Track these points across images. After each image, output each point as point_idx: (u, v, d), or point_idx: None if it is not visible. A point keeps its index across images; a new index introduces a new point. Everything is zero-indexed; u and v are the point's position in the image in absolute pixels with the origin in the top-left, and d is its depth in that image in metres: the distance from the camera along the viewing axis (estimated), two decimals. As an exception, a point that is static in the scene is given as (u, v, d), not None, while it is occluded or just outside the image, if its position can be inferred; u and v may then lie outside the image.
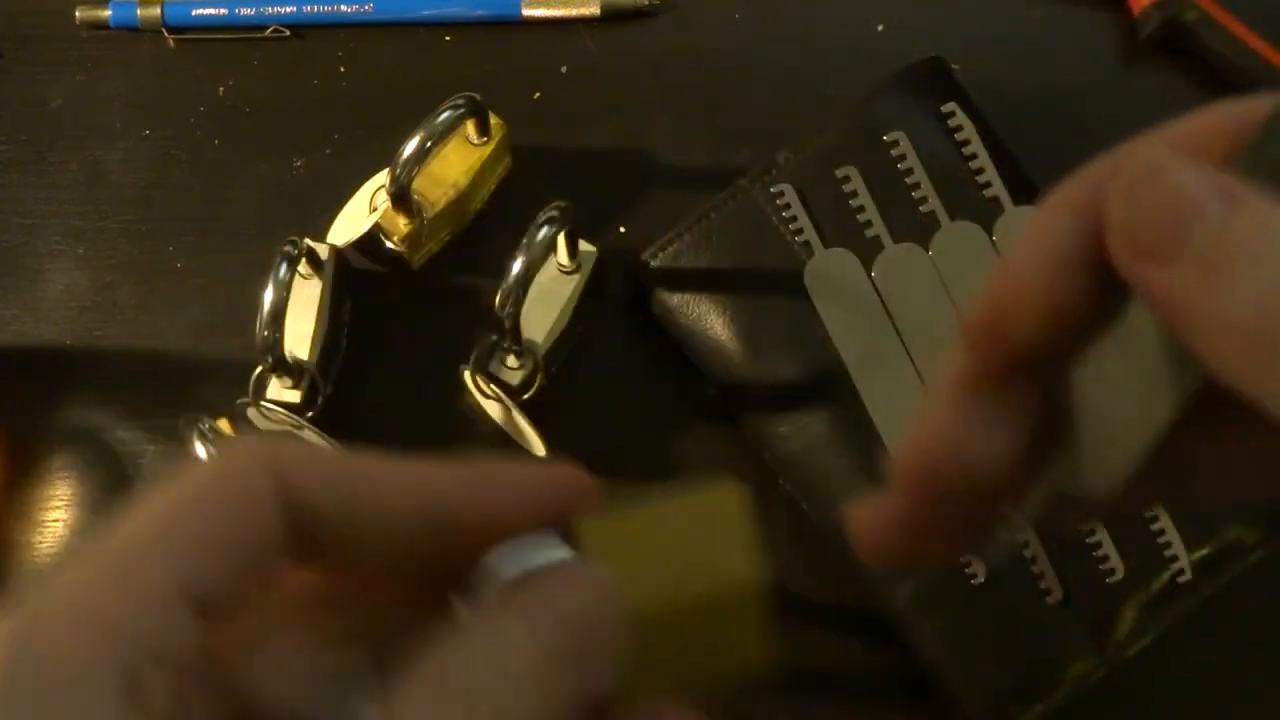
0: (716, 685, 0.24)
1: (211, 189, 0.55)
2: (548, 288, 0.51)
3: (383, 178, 0.51)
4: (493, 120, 0.51)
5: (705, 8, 0.57)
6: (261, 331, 0.46)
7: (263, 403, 0.49)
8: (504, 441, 0.52)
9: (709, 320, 0.50)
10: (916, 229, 0.49)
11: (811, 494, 0.49)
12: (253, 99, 0.56)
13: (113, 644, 0.18)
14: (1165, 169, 0.19)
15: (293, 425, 0.49)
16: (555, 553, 0.21)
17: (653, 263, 0.51)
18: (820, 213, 0.50)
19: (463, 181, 0.51)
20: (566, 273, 0.51)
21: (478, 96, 0.48)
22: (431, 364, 0.52)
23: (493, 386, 0.49)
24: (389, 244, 0.51)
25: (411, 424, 0.52)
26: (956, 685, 0.47)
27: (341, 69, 0.57)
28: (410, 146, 0.47)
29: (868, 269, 0.49)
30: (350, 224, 0.52)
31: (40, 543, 0.51)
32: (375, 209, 0.51)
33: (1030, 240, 0.21)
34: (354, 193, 0.53)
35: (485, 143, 0.52)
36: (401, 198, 0.48)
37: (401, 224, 0.50)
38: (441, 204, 0.51)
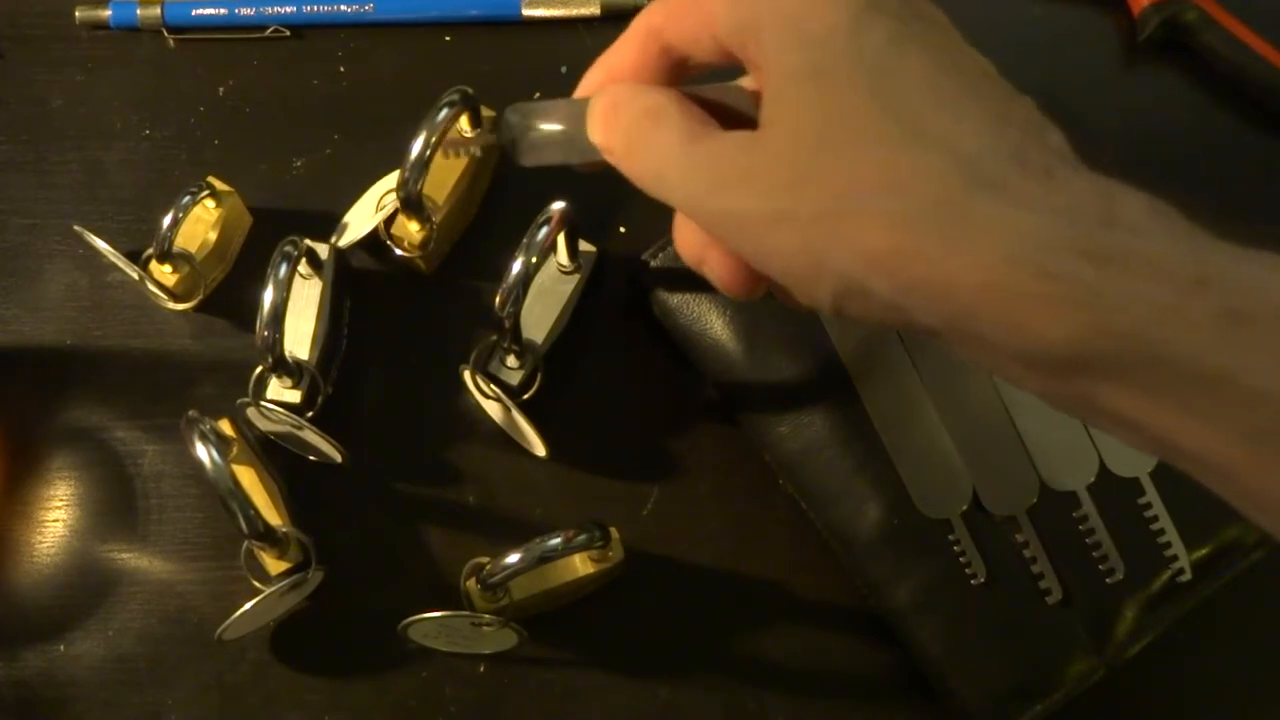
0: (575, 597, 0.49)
1: (211, 189, 0.55)
2: (548, 288, 0.51)
3: (388, 181, 0.51)
4: (484, 112, 0.51)
5: (705, 8, 0.57)
6: (261, 331, 0.46)
7: (263, 403, 0.49)
8: (504, 441, 0.52)
9: (709, 320, 0.50)
10: (916, 229, 0.49)
11: (811, 494, 0.49)
12: (253, 99, 0.56)
13: None
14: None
15: (293, 425, 0.49)
16: None
17: (653, 263, 0.51)
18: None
19: (464, 177, 0.51)
20: (566, 273, 0.51)
21: (469, 89, 0.48)
22: (431, 364, 0.52)
23: (493, 386, 0.49)
24: (400, 251, 0.51)
25: (411, 424, 0.52)
26: (956, 685, 0.47)
27: (341, 69, 0.57)
28: (415, 149, 0.47)
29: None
30: (357, 226, 0.52)
31: (40, 543, 0.51)
32: (382, 207, 0.51)
33: (618, 47, 0.35)
34: (354, 193, 0.53)
35: (478, 134, 0.52)
36: (412, 202, 0.48)
37: (414, 230, 0.50)
38: (448, 203, 0.51)
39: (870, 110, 0.29)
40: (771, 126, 0.30)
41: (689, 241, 0.35)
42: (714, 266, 0.35)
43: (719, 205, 0.31)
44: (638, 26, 0.35)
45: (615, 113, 0.34)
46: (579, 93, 0.36)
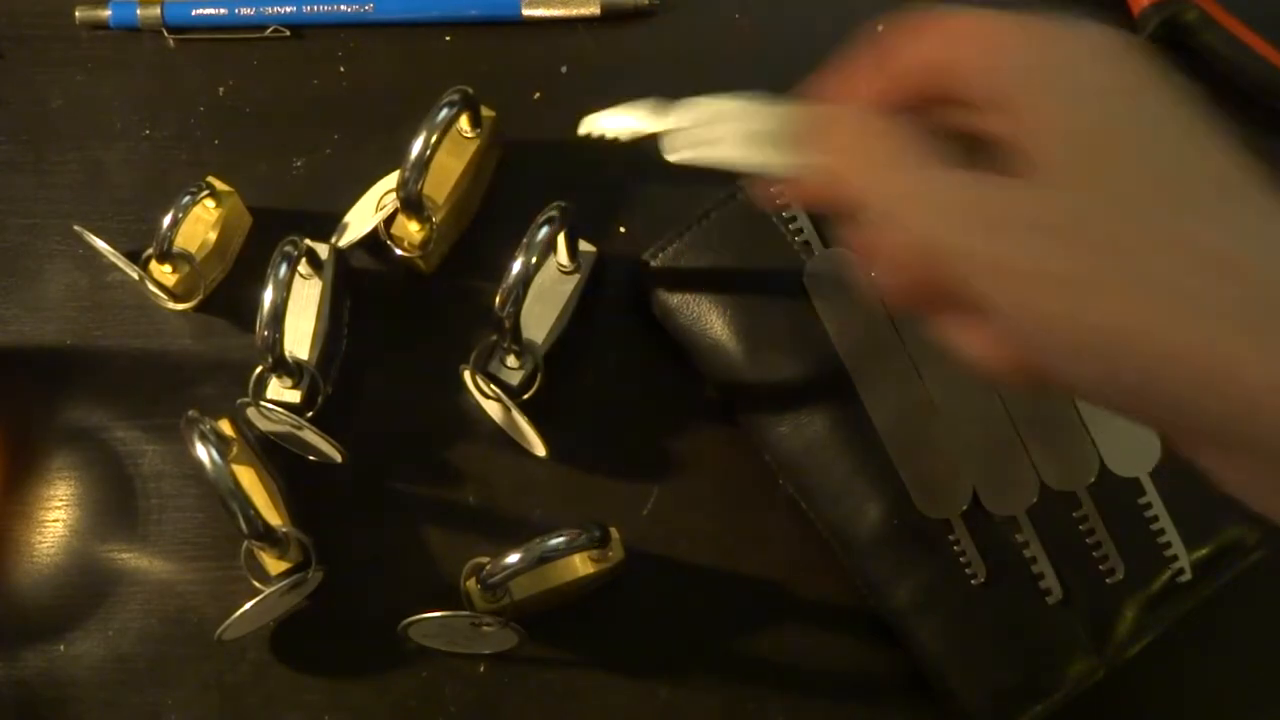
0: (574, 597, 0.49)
1: (211, 189, 0.55)
2: (548, 288, 0.51)
3: (388, 182, 0.51)
4: (483, 111, 0.51)
5: (705, 8, 0.57)
6: (261, 331, 0.46)
7: (263, 403, 0.49)
8: (504, 441, 0.52)
9: (709, 320, 0.50)
10: (916, 229, 0.49)
11: (811, 494, 0.49)
12: (253, 99, 0.56)
13: None
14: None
15: (293, 425, 0.49)
16: None
17: (653, 263, 0.51)
18: (820, 212, 0.50)
19: (464, 177, 0.51)
20: (566, 273, 0.51)
21: (469, 89, 0.48)
22: (431, 364, 0.52)
23: (492, 386, 0.49)
24: (400, 251, 0.51)
25: (411, 424, 0.52)
26: (956, 685, 0.47)
27: (341, 69, 0.57)
28: (415, 149, 0.47)
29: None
30: (357, 226, 0.52)
31: (40, 543, 0.51)
32: (383, 207, 0.51)
33: (853, 64, 0.33)
34: (354, 193, 0.53)
35: (478, 134, 0.52)
36: (413, 202, 0.48)
37: (414, 230, 0.50)
38: (448, 203, 0.51)
39: (1167, 184, 0.27)
40: (1051, 180, 0.28)
41: (907, 264, 0.31)
42: (919, 293, 0.31)
43: (983, 248, 0.28)
44: (879, 48, 0.33)
45: (855, 131, 0.32)
46: (799, 100, 0.34)
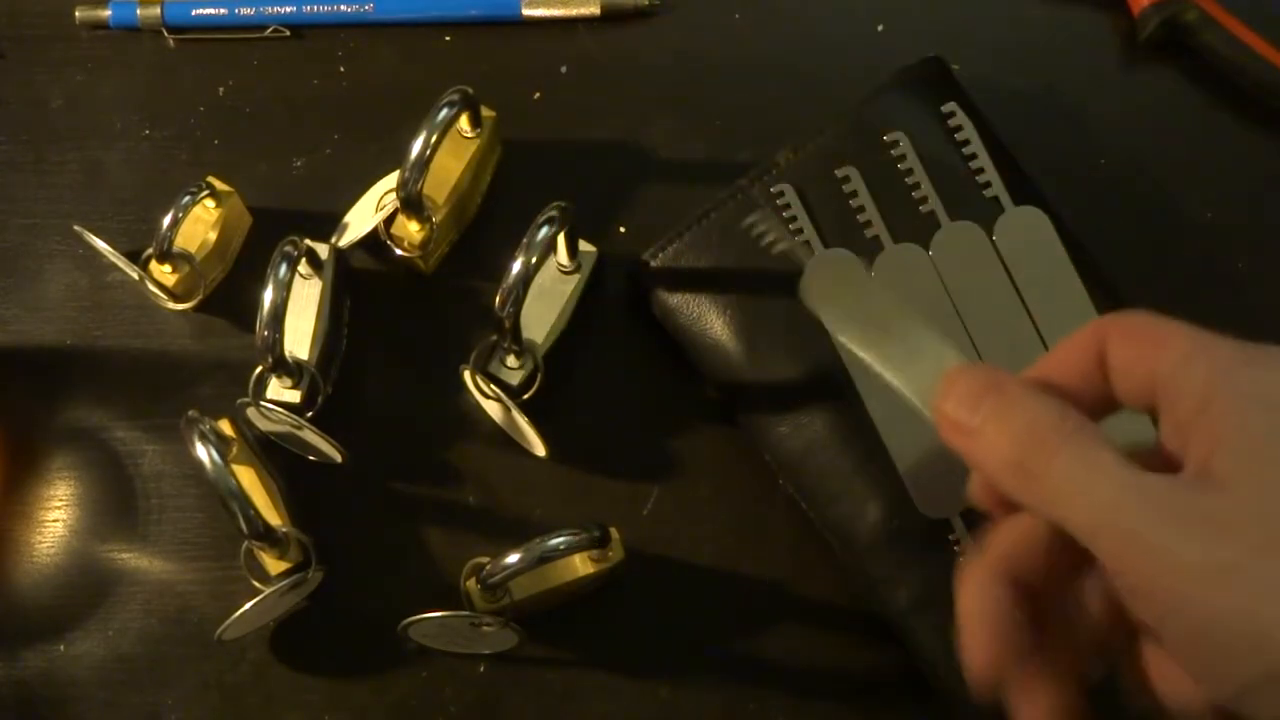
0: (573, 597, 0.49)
1: (211, 189, 0.55)
2: (548, 288, 0.51)
3: (388, 182, 0.51)
4: (483, 111, 0.51)
5: (705, 8, 0.57)
6: (261, 331, 0.46)
7: (263, 403, 0.49)
8: (504, 441, 0.52)
9: (709, 320, 0.50)
10: (916, 229, 0.49)
11: (811, 494, 0.49)
12: (253, 99, 0.56)
13: None
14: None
15: (293, 425, 0.49)
16: None
17: (653, 263, 0.51)
18: (820, 213, 0.50)
19: (464, 177, 0.52)
20: (566, 273, 0.51)
21: (469, 89, 0.48)
22: (431, 364, 0.52)
23: (493, 386, 0.49)
24: (400, 251, 0.51)
25: (411, 424, 0.52)
26: (956, 685, 0.47)
27: (341, 69, 0.57)
28: (415, 149, 0.47)
29: (868, 269, 0.49)
30: (357, 226, 0.52)
31: (40, 543, 0.51)
32: (382, 207, 0.51)
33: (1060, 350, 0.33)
34: (354, 193, 0.53)
35: (478, 134, 0.52)
36: (413, 202, 0.48)
37: (414, 230, 0.50)
38: (448, 203, 0.51)
39: None
40: (1237, 485, 0.28)
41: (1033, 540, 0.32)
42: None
43: (1155, 539, 0.27)
44: (1089, 330, 0.32)
45: (1012, 404, 0.31)
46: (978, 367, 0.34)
